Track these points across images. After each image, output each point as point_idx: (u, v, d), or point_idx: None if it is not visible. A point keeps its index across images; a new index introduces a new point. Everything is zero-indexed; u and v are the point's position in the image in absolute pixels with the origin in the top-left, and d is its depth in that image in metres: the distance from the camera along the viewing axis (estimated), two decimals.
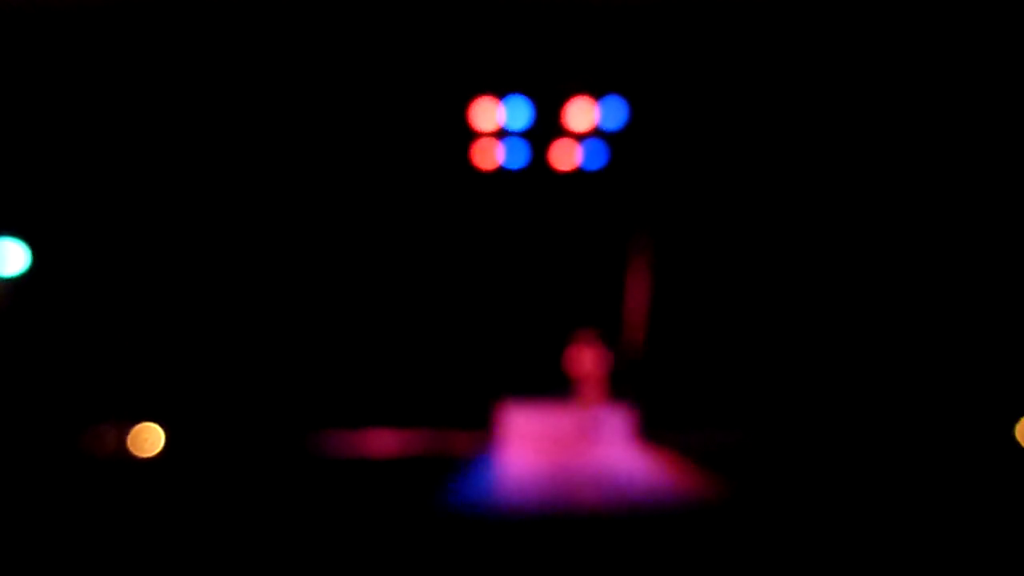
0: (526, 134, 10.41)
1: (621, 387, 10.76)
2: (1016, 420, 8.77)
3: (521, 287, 13.46)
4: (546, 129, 10.32)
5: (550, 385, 12.29)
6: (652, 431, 9.76)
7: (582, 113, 9.96)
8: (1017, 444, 8.66)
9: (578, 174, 11.10)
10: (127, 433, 8.68)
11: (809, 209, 9.64)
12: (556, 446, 9.90)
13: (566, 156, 10.79)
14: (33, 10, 8.49)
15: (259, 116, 9.47)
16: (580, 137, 10.50)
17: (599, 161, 10.76)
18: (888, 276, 9.47)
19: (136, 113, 9.18)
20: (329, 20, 8.95)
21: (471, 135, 10.35)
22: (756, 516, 6.85)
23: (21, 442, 8.50)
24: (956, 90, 9.15)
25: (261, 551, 5.85)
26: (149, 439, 8.67)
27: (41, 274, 8.95)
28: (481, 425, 9.79)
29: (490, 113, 9.93)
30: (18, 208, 8.94)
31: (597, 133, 10.30)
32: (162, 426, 8.78)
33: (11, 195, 8.97)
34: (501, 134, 10.38)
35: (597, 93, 9.90)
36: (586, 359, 10.97)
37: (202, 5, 8.63)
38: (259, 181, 9.64)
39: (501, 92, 9.87)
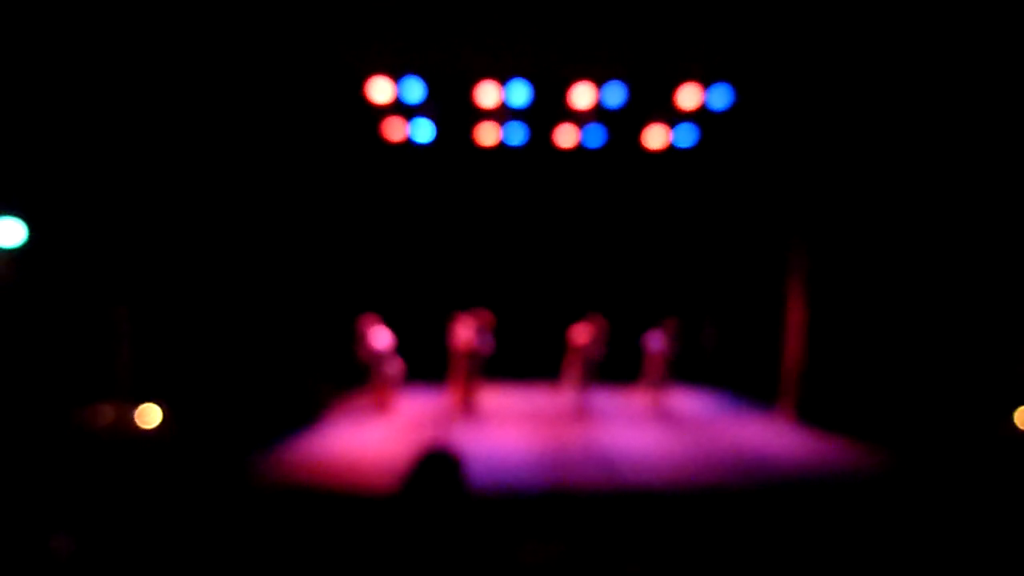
0: (526, 113, 10.41)
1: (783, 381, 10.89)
2: None
3: (521, 270, 13.45)
4: (547, 109, 10.32)
5: (545, 365, 12.31)
6: (806, 418, 10.07)
7: (583, 94, 9.94)
8: None
9: (579, 151, 11.11)
10: (124, 410, 8.66)
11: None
12: (552, 425, 9.92)
13: (567, 135, 10.79)
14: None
15: (251, 112, 9.40)
16: (581, 117, 10.50)
17: (600, 139, 10.76)
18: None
19: (134, 97, 9.12)
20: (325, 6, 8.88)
21: (476, 114, 10.35)
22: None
23: (17, 417, 8.48)
24: None
25: None
26: (146, 417, 8.65)
27: (38, 250, 8.90)
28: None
29: (491, 93, 9.92)
30: (15, 185, 8.89)
31: (599, 113, 10.30)
32: (160, 405, 8.75)
33: (9, 173, 8.92)
34: (502, 114, 10.38)
35: (600, 79, 9.86)
36: (584, 340, 10.97)
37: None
38: (250, 174, 9.60)
39: (504, 75, 9.84)
